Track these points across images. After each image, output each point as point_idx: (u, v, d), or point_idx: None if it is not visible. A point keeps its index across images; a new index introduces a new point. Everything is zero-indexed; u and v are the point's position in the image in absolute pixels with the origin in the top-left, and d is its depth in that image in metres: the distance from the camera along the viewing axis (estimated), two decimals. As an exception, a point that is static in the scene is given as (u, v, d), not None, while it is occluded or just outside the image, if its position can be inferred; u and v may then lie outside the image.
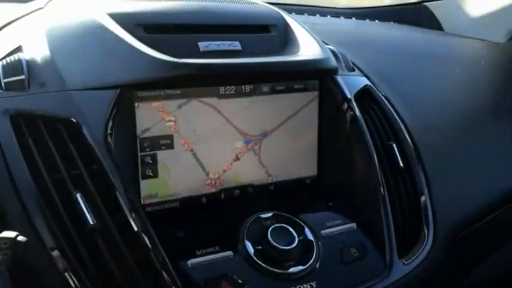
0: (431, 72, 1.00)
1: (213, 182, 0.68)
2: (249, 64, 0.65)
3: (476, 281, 0.92)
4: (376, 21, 1.33)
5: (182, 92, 0.64)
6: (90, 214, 0.54)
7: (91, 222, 0.53)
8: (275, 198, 0.70)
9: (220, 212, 0.67)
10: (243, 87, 0.67)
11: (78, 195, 0.54)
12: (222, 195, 0.69)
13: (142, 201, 0.63)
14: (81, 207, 0.54)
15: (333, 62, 0.72)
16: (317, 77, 0.72)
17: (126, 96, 0.60)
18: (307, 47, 0.71)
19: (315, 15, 1.28)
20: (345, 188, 0.72)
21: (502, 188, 0.89)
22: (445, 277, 0.78)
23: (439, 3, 1.37)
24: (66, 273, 0.51)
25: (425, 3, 1.38)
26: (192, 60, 0.60)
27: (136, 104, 0.62)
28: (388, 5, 1.47)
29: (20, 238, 0.41)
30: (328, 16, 1.31)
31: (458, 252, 0.79)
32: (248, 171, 0.70)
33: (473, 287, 0.93)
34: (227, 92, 0.66)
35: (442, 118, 0.90)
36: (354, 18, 1.33)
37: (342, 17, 1.32)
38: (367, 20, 1.33)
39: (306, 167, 0.74)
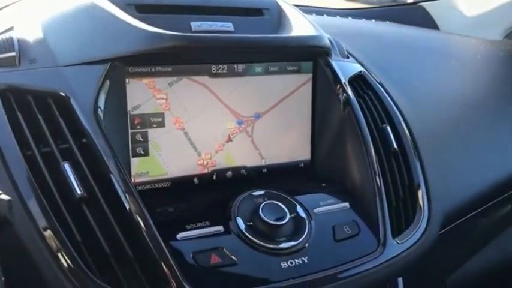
0: (426, 64, 1.00)
1: (205, 163, 0.67)
2: (241, 39, 0.65)
3: (471, 269, 0.91)
4: (373, 20, 1.34)
5: (173, 70, 0.63)
6: (78, 184, 0.53)
7: (78, 192, 0.53)
8: (268, 180, 0.69)
9: (212, 192, 0.66)
10: (235, 66, 0.67)
11: (66, 165, 0.54)
12: (214, 176, 0.68)
13: (133, 180, 0.63)
14: (68, 176, 0.53)
15: (326, 41, 0.71)
16: (310, 55, 0.71)
17: (117, 70, 0.60)
18: (301, 29, 0.71)
19: (311, 14, 1.28)
20: (338, 170, 0.71)
21: (499, 177, 0.88)
22: (441, 264, 0.76)
23: (434, 3, 1.38)
24: (52, 244, 0.51)
25: (421, 3, 1.39)
26: (183, 33, 0.60)
27: (127, 80, 0.61)
28: (385, 5, 1.48)
29: (3, 196, 0.40)
30: (325, 15, 1.32)
31: (455, 240, 0.78)
32: (241, 153, 0.69)
33: (469, 275, 0.92)
34: (219, 71, 0.66)
35: (437, 107, 0.90)
36: (350, 18, 1.33)
37: (338, 17, 1.33)
38: (364, 20, 1.33)
39: (300, 150, 0.73)
